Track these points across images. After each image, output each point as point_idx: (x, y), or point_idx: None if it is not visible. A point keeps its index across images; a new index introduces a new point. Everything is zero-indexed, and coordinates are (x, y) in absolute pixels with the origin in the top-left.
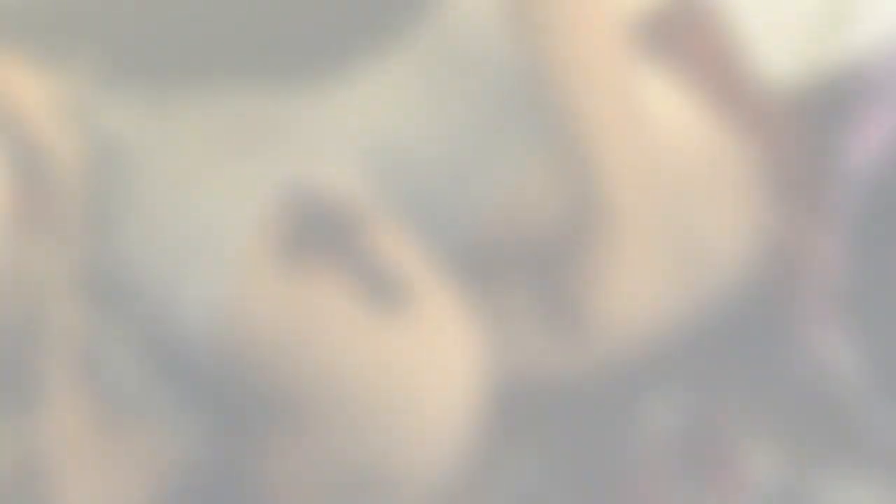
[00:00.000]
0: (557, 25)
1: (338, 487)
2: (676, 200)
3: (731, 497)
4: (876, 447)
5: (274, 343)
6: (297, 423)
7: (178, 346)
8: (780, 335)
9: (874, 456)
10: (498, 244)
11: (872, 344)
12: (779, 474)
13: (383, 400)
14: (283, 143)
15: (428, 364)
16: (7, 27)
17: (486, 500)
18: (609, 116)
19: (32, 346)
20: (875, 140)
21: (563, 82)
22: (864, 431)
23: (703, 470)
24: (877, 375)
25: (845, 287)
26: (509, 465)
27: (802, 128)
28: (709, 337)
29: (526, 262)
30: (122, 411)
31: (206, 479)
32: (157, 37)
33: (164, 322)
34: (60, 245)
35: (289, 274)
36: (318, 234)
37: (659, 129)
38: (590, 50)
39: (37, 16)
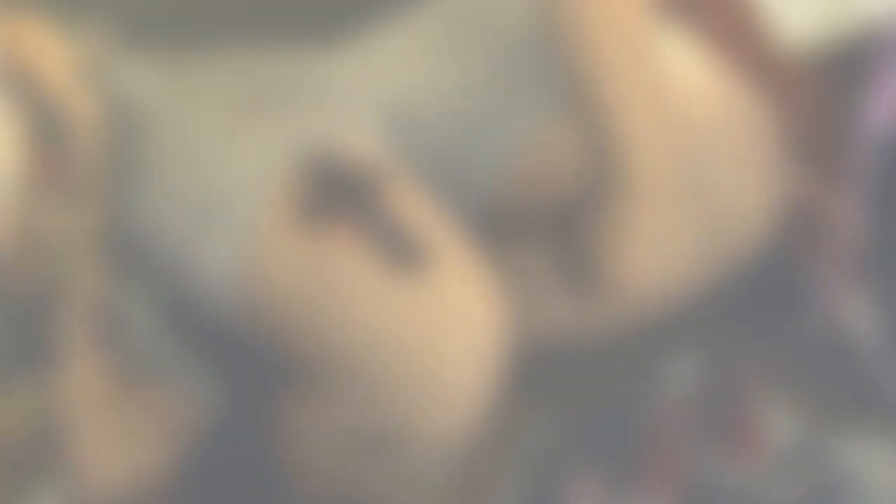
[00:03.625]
0: None
1: (357, 447)
2: (696, 161)
3: (751, 456)
4: (895, 406)
5: (293, 303)
6: (316, 383)
7: (198, 306)
8: (800, 295)
9: (893, 415)
10: (517, 204)
11: (892, 303)
12: (798, 434)
13: (403, 360)
14: (303, 104)
15: (447, 324)
16: None
17: (504, 459)
18: (629, 77)
19: (53, 307)
20: (892, 100)
21: (582, 43)
22: (884, 391)
23: (723, 430)
24: (895, 334)
25: (864, 247)
26: (528, 426)
27: (821, 89)
28: (728, 297)
29: (546, 222)
30: (143, 371)
31: (226, 439)
32: None
33: (184, 283)
34: (80, 207)
35: (308, 234)
36: (338, 195)
37: (678, 89)
38: (608, 10)
39: None
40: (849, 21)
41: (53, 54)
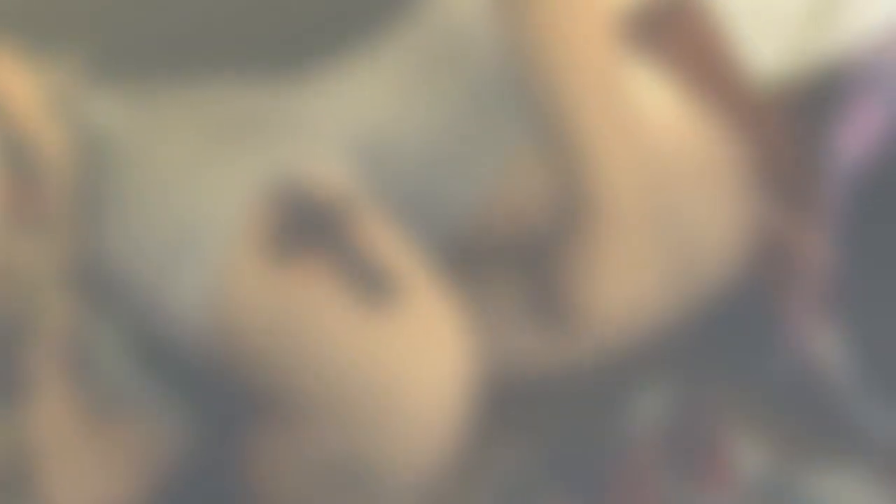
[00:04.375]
0: (546, 19)
1: (326, 480)
2: (665, 194)
3: (719, 489)
4: (864, 440)
5: (263, 336)
6: (286, 416)
7: (166, 339)
8: (769, 329)
9: (862, 449)
10: (487, 237)
11: (861, 337)
12: (766, 467)
13: (372, 393)
14: (272, 137)
15: (416, 358)
16: None
17: (475, 493)
18: (597, 110)
19: (21, 340)
20: (863, 134)
21: (551, 77)
22: (852, 425)
23: (693, 462)
24: (865, 369)
25: (834, 281)
26: (498, 459)
27: (791, 122)
28: (697, 330)
29: (515, 255)
30: (111, 404)
31: (194, 471)
32: (144, 30)
33: (153, 315)
34: (49, 239)
35: (276, 267)
36: (307, 228)
37: (647, 122)
38: (578, 43)
39: (24, 10)
40: (819, 55)
41: (23, 87)
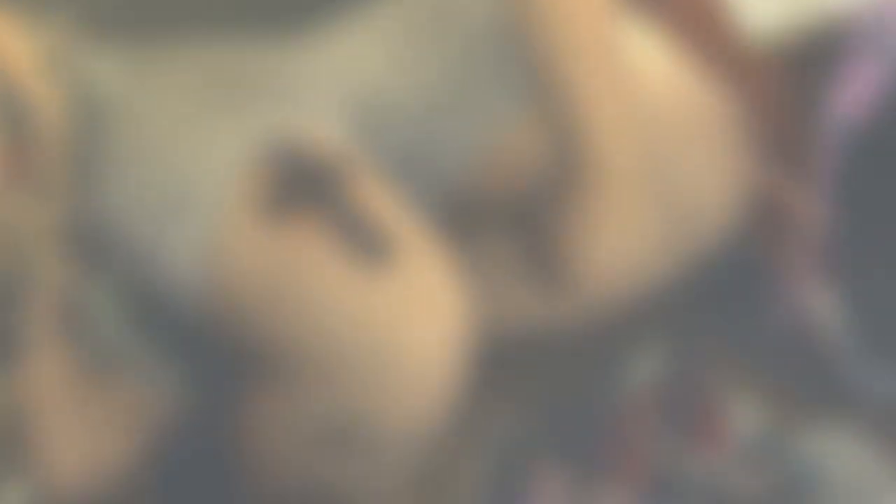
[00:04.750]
0: None
1: (323, 438)
2: (660, 152)
3: (715, 448)
4: (860, 399)
5: (257, 296)
6: (282, 375)
7: (163, 299)
8: (764, 288)
9: (858, 408)
10: (483, 196)
11: (856, 296)
12: (763, 427)
13: (368, 352)
14: (267, 96)
15: (412, 316)
16: None
17: (471, 451)
18: (593, 69)
19: (17, 299)
20: (860, 91)
21: (545, 35)
22: (848, 384)
23: (688, 422)
24: (861, 328)
25: (830, 240)
26: (493, 418)
27: (787, 81)
28: (693, 289)
29: (510, 214)
30: (107, 364)
31: (190, 431)
32: None
33: (150, 275)
34: (45, 199)
35: (272, 227)
36: (302, 187)
37: (643, 81)
38: (572, 2)
39: None
40: (815, 13)
41: (17, 47)
